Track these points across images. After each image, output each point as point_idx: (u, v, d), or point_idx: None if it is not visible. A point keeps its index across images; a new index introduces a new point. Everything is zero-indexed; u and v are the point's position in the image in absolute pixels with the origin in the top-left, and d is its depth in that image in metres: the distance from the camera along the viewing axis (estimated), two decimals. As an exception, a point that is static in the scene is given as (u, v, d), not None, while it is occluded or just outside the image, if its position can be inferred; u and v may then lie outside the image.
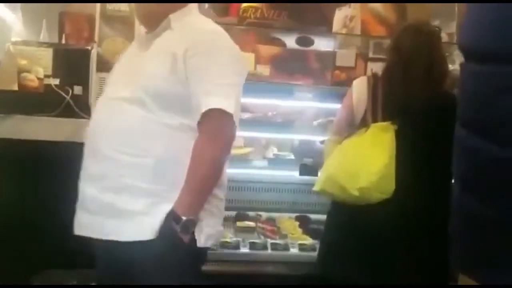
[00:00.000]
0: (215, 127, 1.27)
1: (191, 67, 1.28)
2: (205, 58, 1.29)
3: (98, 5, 2.22)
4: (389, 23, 3.33)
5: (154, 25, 1.41)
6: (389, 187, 1.68)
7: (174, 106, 1.29)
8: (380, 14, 3.31)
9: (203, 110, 1.26)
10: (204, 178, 1.27)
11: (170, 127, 1.27)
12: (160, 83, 1.29)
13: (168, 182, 1.26)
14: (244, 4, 3.83)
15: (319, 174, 1.90)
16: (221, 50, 1.32)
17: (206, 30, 1.37)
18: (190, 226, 1.23)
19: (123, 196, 1.27)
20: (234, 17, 3.46)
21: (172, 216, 1.22)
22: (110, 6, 2.20)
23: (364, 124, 1.86)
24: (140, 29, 2.32)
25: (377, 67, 2.54)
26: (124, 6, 2.21)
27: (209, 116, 1.25)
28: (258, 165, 2.53)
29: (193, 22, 1.39)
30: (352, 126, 1.92)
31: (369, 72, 2.78)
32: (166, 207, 1.24)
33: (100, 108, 1.40)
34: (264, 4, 3.75)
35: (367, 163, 1.69)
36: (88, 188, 1.32)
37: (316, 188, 1.84)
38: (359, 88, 1.93)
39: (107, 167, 1.29)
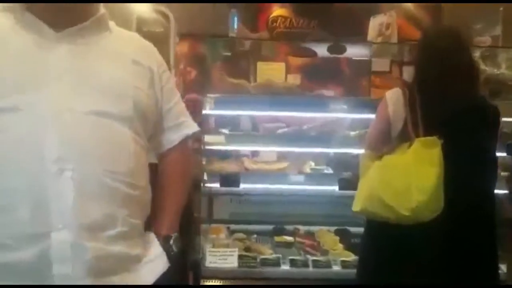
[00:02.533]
0: (190, 148, 1.33)
1: (166, 86, 1.19)
2: (170, 79, 1.23)
3: (134, 25, 2.25)
4: (424, 26, 3.24)
5: (74, 19, 1.05)
6: (439, 204, 1.62)
7: (148, 127, 1.13)
8: (414, 17, 3.23)
9: (190, 132, 1.25)
10: (186, 195, 1.29)
11: (146, 152, 1.14)
12: (144, 99, 1.10)
13: (146, 213, 1.15)
14: (273, 14, 3.80)
15: (357, 191, 1.85)
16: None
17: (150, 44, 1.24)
18: (178, 240, 1.21)
19: (132, 240, 1.06)
20: (264, 29, 3.45)
21: (166, 239, 1.18)
22: (146, 27, 2.24)
23: (404, 138, 1.79)
24: (173, 49, 2.35)
25: (411, 71, 2.48)
26: (159, 27, 2.25)
27: (188, 137, 1.27)
28: (295, 180, 2.49)
29: (115, 26, 1.18)
30: (389, 140, 1.85)
31: (405, 75, 2.72)
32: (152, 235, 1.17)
33: (72, 124, 0.98)
34: (293, 13, 3.71)
35: (415, 181, 1.63)
36: (86, 242, 0.95)
37: (356, 208, 1.79)
38: (395, 99, 1.86)
39: (112, 206, 1.00)
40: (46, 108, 0.96)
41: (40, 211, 0.92)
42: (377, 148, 1.85)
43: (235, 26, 3.47)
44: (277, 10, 3.90)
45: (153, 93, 1.14)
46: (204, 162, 2.50)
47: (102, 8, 1.12)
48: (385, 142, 1.85)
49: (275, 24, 3.59)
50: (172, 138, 1.23)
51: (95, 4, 1.11)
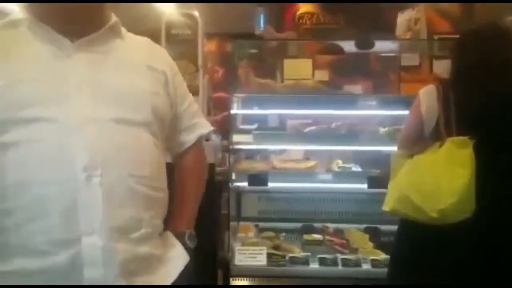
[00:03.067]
0: (203, 147, 1.36)
1: (179, 89, 1.23)
2: (182, 81, 1.26)
3: (163, 29, 2.29)
4: (454, 18, 3.15)
5: (87, 28, 1.06)
6: (470, 206, 1.58)
7: (165, 129, 1.17)
8: (443, 8, 3.14)
9: (205, 131, 1.30)
10: (201, 193, 1.33)
11: (164, 154, 1.19)
12: (161, 103, 1.14)
13: (165, 212, 1.18)
14: (300, 11, 3.78)
15: (388, 191, 1.82)
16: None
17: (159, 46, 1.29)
18: (193, 236, 1.25)
19: (155, 240, 1.09)
20: (290, 26, 3.43)
21: (181, 236, 1.21)
22: (175, 30, 2.27)
23: (436, 137, 1.75)
24: (201, 51, 2.38)
25: (442, 65, 2.41)
26: (187, 30, 2.28)
27: (203, 137, 1.32)
28: (323, 178, 2.48)
29: (126, 33, 1.18)
30: (422, 138, 1.82)
31: (435, 70, 2.65)
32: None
33: (97, 132, 1.00)
34: (319, 9, 3.68)
35: (445, 183, 1.59)
36: (115, 245, 0.98)
37: (386, 208, 1.76)
38: (428, 97, 1.81)
39: (138, 209, 1.03)
40: (70, 118, 0.98)
41: (71, 217, 0.95)
42: (409, 148, 1.82)
43: (262, 24, 3.47)
44: (304, 7, 3.88)
45: (168, 97, 1.17)
46: (232, 161, 2.52)
47: (114, 15, 1.14)
48: (418, 141, 1.82)
49: (301, 21, 3.57)
50: (188, 138, 1.27)
51: (107, 11, 1.12)
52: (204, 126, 1.31)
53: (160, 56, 1.21)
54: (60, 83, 1.00)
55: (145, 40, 1.23)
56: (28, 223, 0.94)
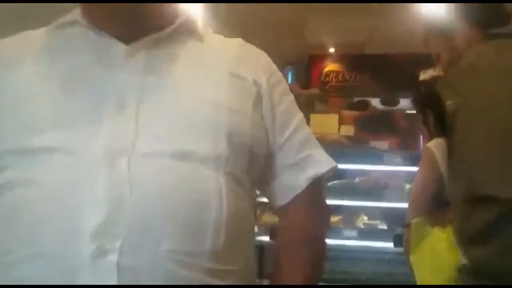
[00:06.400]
0: (322, 196, 0.85)
1: (280, 105, 0.80)
2: (287, 94, 0.83)
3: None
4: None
5: (147, 27, 0.74)
6: None
7: (254, 168, 0.75)
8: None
9: (323, 170, 0.81)
10: (314, 266, 0.88)
11: (252, 207, 0.78)
12: (246, 127, 0.73)
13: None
14: (326, 69, 3.89)
15: (415, 268, 1.61)
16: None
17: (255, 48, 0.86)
18: None
19: None
20: (316, 82, 3.53)
21: None
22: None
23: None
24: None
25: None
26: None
27: (320, 180, 0.81)
28: (348, 235, 2.43)
29: (209, 33, 0.84)
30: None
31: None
32: None
33: (126, 173, 0.64)
34: (345, 67, 3.79)
35: None
36: None
37: None
38: (443, 153, 1.72)
39: None
40: (92, 149, 0.64)
41: None
42: (428, 213, 1.68)
43: (290, 81, 3.56)
44: (330, 66, 3.99)
45: (261, 117, 0.77)
46: (257, 214, 2.51)
47: (185, 12, 0.81)
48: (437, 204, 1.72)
49: (327, 78, 3.66)
50: (293, 183, 0.79)
51: (175, 6, 0.80)
52: (322, 162, 0.82)
53: (253, 60, 0.81)
54: (93, 99, 0.68)
55: (235, 41, 0.84)
56: None
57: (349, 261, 2.73)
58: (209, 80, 0.74)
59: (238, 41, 0.84)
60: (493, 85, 1.16)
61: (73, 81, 0.70)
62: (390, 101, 2.94)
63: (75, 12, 0.76)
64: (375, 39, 3.69)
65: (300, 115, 0.84)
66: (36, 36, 0.76)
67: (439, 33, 1.42)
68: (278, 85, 0.81)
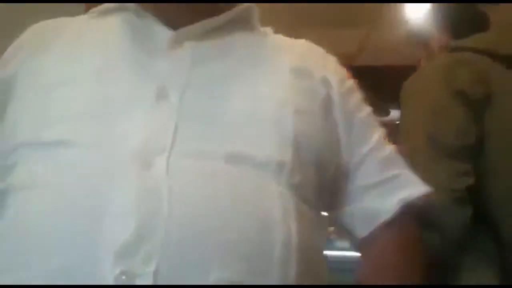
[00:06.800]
0: (415, 226, 0.68)
1: (358, 113, 0.67)
2: (365, 104, 0.71)
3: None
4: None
5: (200, 13, 0.64)
6: None
7: (324, 184, 0.62)
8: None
9: (415, 194, 0.65)
10: None
11: (323, 230, 0.63)
12: (315, 130, 0.60)
13: None
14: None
15: None
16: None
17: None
18: None
19: None
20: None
21: None
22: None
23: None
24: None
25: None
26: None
27: (411, 205, 0.65)
28: (341, 246, 2.41)
29: (270, 33, 0.74)
30: None
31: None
32: None
33: (161, 178, 0.51)
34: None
35: None
36: None
37: None
38: None
39: None
40: (122, 145, 0.52)
41: None
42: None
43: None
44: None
45: (333, 122, 0.64)
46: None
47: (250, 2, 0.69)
48: None
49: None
50: (378, 206, 0.64)
51: None
52: (413, 184, 0.67)
53: (321, 58, 0.70)
54: (128, 89, 0.57)
55: (300, 40, 0.73)
56: None
57: (343, 272, 2.71)
58: (270, 76, 0.62)
59: (303, 40, 0.73)
60: (416, 104, 1.13)
61: (109, 70, 0.59)
62: (380, 111, 2.95)
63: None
64: (366, 51, 3.72)
65: (382, 130, 0.69)
66: (77, 22, 0.68)
67: (418, 39, 1.40)
68: (353, 92, 0.69)
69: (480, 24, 1.19)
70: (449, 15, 1.27)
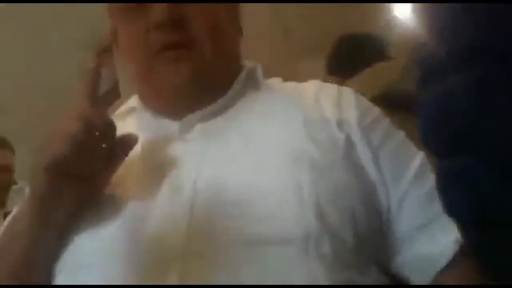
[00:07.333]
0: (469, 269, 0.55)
1: (386, 145, 0.59)
2: (392, 132, 0.61)
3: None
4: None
5: (207, 98, 0.62)
6: None
7: (356, 242, 0.52)
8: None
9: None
10: None
11: None
12: (336, 187, 0.53)
13: None
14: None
15: None
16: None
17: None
18: None
19: None
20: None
21: None
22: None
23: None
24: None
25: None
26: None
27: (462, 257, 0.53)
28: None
29: (274, 84, 0.71)
30: None
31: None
32: None
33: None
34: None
35: None
36: None
37: None
38: None
39: None
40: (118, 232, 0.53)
41: None
42: None
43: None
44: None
45: (358, 168, 0.57)
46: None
47: (246, 62, 0.67)
48: None
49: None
50: (431, 252, 0.54)
51: (236, 59, 0.66)
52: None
53: (334, 96, 0.63)
54: (142, 183, 0.57)
55: (310, 82, 0.68)
56: None
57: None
58: (284, 135, 0.58)
59: (313, 82, 0.68)
60: None
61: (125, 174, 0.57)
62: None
63: (134, 98, 0.68)
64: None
65: (420, 155, 0.59)
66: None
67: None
68: (378, 122, 0.61)
69: None
70: None
